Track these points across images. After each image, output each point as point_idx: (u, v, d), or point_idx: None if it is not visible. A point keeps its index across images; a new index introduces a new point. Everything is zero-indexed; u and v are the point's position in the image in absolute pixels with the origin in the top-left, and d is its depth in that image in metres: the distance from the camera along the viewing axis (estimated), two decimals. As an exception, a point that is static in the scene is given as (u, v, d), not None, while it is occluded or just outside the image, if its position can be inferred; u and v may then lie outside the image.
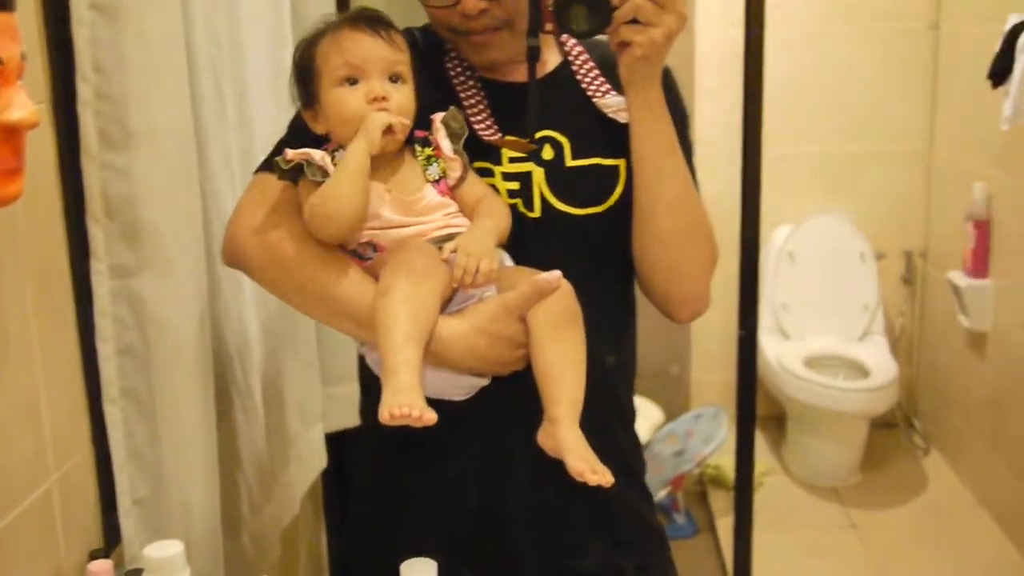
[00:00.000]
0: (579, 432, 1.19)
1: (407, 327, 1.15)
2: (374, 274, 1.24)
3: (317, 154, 1.24)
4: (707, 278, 1.38)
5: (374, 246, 1.25)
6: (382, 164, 1.25)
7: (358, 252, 1.26)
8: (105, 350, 1.36)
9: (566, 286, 1.23)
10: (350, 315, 1.25)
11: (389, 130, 1.21)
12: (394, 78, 1.24)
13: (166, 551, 1.20)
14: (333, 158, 1.24)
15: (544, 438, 1.22)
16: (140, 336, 1.37)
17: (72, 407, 1.35)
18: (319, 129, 1.28)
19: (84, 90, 1.26)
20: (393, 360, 1.13)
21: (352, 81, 1.23)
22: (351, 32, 1.23)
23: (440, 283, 1.19)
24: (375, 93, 1.22)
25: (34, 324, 1.24)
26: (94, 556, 1.35)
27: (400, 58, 1.25)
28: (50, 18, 1.25)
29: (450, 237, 1.24)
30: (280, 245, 1.27)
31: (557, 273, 1.23)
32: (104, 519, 1.41)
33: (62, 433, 1.31)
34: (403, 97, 1.24)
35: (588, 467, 1.16)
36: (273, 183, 1.28)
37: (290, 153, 1.24)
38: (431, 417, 1.09)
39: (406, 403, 1.09)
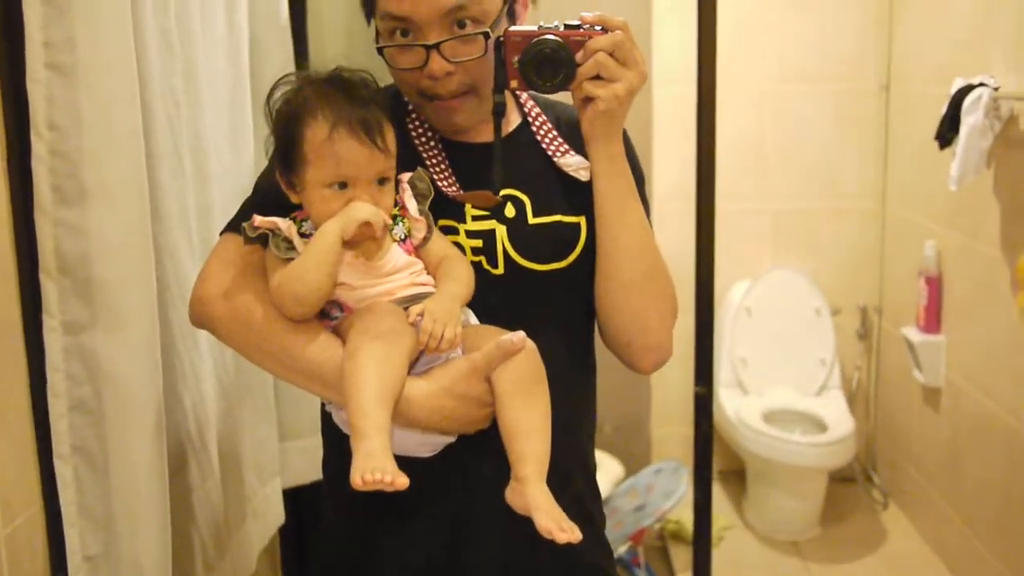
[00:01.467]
0: (546, 489, 1.21)
1: (375, 390, 1.16)
2: (340, 334, 1.25)
3: (283, 223, 1.25)
4: (669, 326, 1.40)
5: (340, 306, 1.26)
6: None
7: (325, 311, 1.27)
8: (57, 406, 1.35)
9: (530, 346, 1.25)
10: (318, 377, 1.26)
11: (367, 224, 1.22)
12: (380, 180, 1.26)
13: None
14: (300, 227, 1.26)
15: (512, 496, 1.23)
16: (92, 391, 1.37)
17: (22, 463, 1.34)
18: (294, 200, 1.28)
19: (38, 147, 1.28)
20: (363, 424, 1.14)
21: (342, 184, 1.24)
22: (348, 140, 1.23)
23: (407, 345, 1.21)
24: (359, 213, 1.23)
25: (-16, 380, 1.24)
26: (42, 615, 1.34)
27: (390, 164, 1.26)
28: (5, 75, 1.26)
29: (416, 297, 1.25)
30: (247, 308, 1.28)
31: (521, 334, 1.25)
32: (54, 577, 1.40)
33: (11, 489, 1.30)
34: (387, 199, 1.26)
35: (556, 525, 1.17)
36: (239, 244, 1.29)
37: (257, 220, 1.25)
38: (403, 482, 1.10)
39: (378, 468, 1.10)
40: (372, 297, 1.25)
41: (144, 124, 1.42)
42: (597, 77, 1.25)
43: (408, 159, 1.33)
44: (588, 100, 1.27)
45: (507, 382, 1.24)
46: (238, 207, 1.37)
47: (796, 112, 3.89)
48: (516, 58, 1.25)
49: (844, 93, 3.87)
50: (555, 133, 1.42)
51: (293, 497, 2.18)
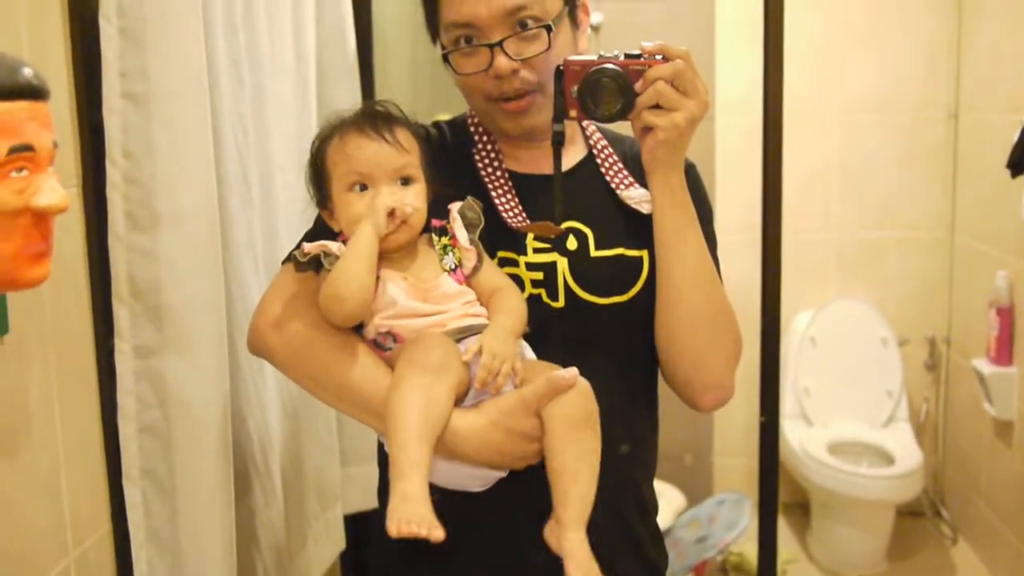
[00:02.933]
0: (583, 538, 1.18)
1: (417, 425, 1.15)
2: (392, 365, 1.25)
3: (334, 245, 1.26)
4: (731, 366, 1.37)
5: (393, 336, 1.26)
6: (399, 254, 1.27)
7: (378, 342, 1.27)
8: (127, 429, 1.37)
9: (584, 385, 1.23)
10: (365, 406, 1.26)
11: (392, 213, 1.23)
12: (404, 180, 1.27)
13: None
14: None
15: (549, 535, 1.21)
16: (162, 415, 1.39)
17: (92, 485, 1.36)
18: (335, 227, 1.30)
19: (113, 174, 1.30)
20: (401, 460, 1.13)
21: (362, 186, 1.26)
22: (356, 138, 1.26)
23: (455, 378, 1.20)
24: (384, 203, 1.24)
25: (57, 401, 1.26)
26: (110, 636, 1.35)
27: (408, 160, 1.27)
28: (83, 104, 1.29)
29: (468, 329, 1.25)
30: (298, 336, 1.29)
31: (574, 370, 1.23)
32: (121, 599, 1.41)
33: (82, 511, 1.32)
34: (413, 198, 1.26)
35: (582, 574, 1.15)
36: (295, 275, 1.30)
37: (307, 246, 1.26)
38: (439, 534, 1.09)
39: (414, 518, 1.08)
40: (424, 327, 1.25)
41: (214, 151, 1.44)
42: (657, 107, 1.24)
43: (474, 190, 1.33)
44: (648, 130, 1.26)
45: (557, 420, 1.21)
46: (301, 236, 1.39)
47: (862, 141, 3.85)
48: (575, 87, 1.25)
49: (911, 122, 3.83)
50: (620, 166, 1.41)
51: (354, 523, 2.19)
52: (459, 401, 1.23)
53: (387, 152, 1.25)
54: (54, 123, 1.01)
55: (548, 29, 1.28)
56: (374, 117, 1.28)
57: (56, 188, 0.99)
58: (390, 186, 1.25)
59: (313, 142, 1.31)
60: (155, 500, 1.41)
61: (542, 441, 1.23)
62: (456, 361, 1.20)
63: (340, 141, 1.27)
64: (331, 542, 2.08)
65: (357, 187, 1.26)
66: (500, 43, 1.27)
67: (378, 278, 1.25)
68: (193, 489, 1.42)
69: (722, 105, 3.59)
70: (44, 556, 1.24)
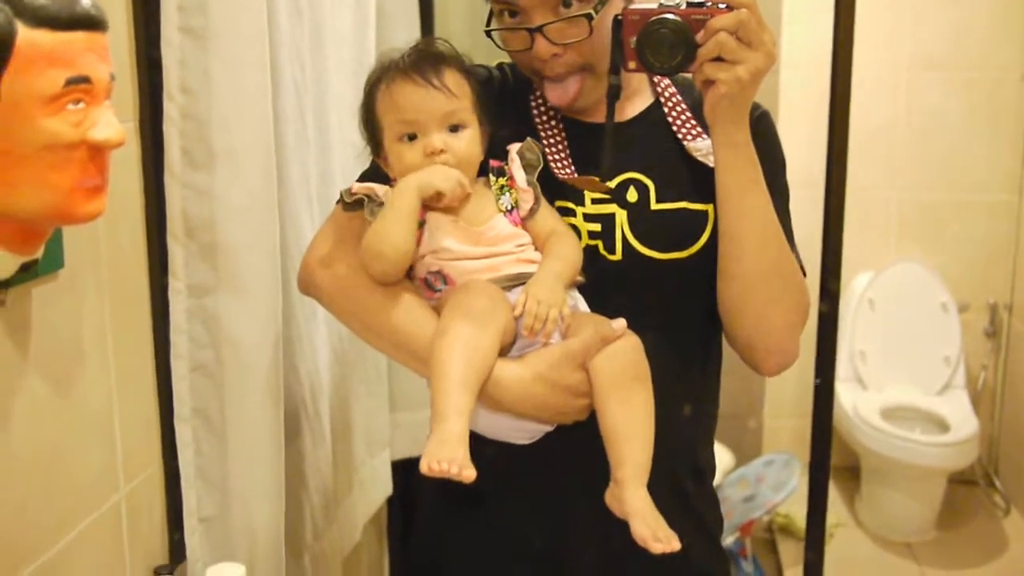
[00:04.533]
0: (645, 494, 1.15)
1: (460, 372, 1.13)
2: (440, 309, 1.22)
3: (380, 189, 1.24)
4: (795, 329, 1.32)
5: (444, 277, 1.24)
6: None
7: (428, 282, 1.26)
8: (179, 368, 1.37)
9: (633, 339, 1.20)
10: (410, 350, 1.25)
11: (438, 196, 1.21)
12: (454, 127, 1.24)
13: (227, 574, 1.20)
14: None
15: (611, 499, 1.18)
16: (214, 355, 1.39)
17: (145, 423, 1.36)
18: (389, 172, 1.28)
19: (171, 109, 1.29)
20: (443, 405, 1.12)
21: (411, 136, 1.23)
22: (402, 85, 1.23)
23: (500, 327, 1.17)
24: (433, 148, 1.22)
25: (110, 338, 1.26)
26: (158, 573, 1.36)
27: (458, 105, 1.23)
28: (141, 39, 1.27)
29: (520, 276, 1.22)
30: (346, 275, 1.28)
31: (622, 322, 1.20)
32: (170, 536, 1.41)
33: (133, 448, 1.32)
34: (464, 145, 1.24)
35: (651, 533, 1.12)
36: (345, 215, 1.29)
37: (355, 187, 1.25)
38: (470, 475, 1.07)
39: (446, 457, 1.07)
40: (476, 271, 1.22)
41: (271, 88, 1.42)
42: (719, 59, 1.17)
43: (526, 135, 1.29)
44: (710, 83, 1.19)
45: (605, 375, 1.18)
46: (356, 176, 1.37)
47: (929, 100, 3.74)
48: (633, 38, 1.19)
49: (981, 82, 3.72)
50: (689, 115, 1.35)
51: (403, 469, 2.18)
52: (505, 351, 1.20)
53: (435, 98, 1.22)
54: (112, 56, 0.99)
55: (589, 18, 1.21)
56: (421, 60, 1.24)
57: (113, 122, 0.97)
58: (440, 134, 1.22)
59: (365, 85, 1.29)
60: (205, 439, 1.40)
61: (589, 396, 1.21)
62: (503, 310, 1.18)
63: (387, 88, 1.24)
64: (378, 487, 2.08)
65: (406, 137, 1.23)
66: (539, 28, 1.22)
67: (424, 222, 1.23)
68: (243, 429, 1.42)
69: (787, 58, 3.51)
70: (95, 492, 1.24)
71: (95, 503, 1.24)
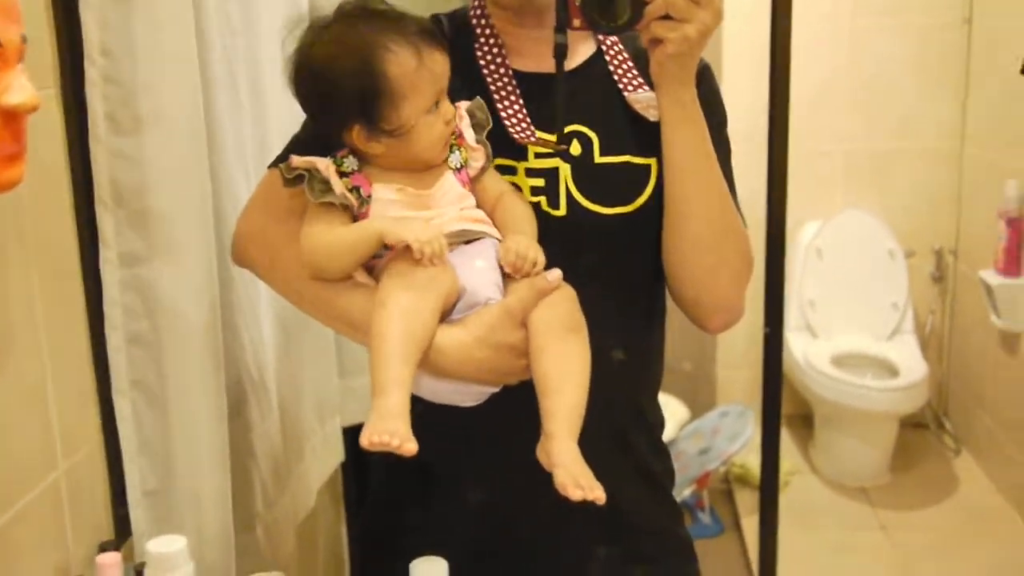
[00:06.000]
0: (573, 446, 1.12)
1: (399, 344, 1.10)
2: (380, 274, 1.19)
3: (322, 163, 1.19)
4: (741, 287, 1.31)
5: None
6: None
7: None
8: (115, 340, 1.34)
9: (568, 290, 1.19)
10: (348, 322, 1.22)
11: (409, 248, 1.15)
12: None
13: (169, 546, 1.18)
14: (341, 165, 1.20)
15: (540, 453, 1.15)
16: (150, 325, 1.36)
17: (81, 397, 1.33)
18: (374, 149, 1.19)
19: (92, 73, 1.25)
20: (383, 378, 1.09)
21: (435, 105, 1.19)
22: (435, 52, 1.17)
23: (441, 295, 1.15)
24: (450, 114, 1.20)
25: (41, 312, 1.22)
26: (104, 548, 1.33)
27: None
28: (59, 1, 1.23)
29: (463, 233, 1.19)
30: (276, 245, 1.26)
31: (557, 272, 1.18)
32: (115, 511, 1.39)
33: (71, 423, 1.29)
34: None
35: (572, 480, 1.09)
36: (279, 182, 1.24)
37: (295, 160, 1.20)
38: (411, 448, 1.05)
39: (386, 431, 1.05)
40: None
41: (199, 52, 1.38)
42: (667, 17, 1.14)
43: (477, 90, 1.26)
44: (656, 42, 1.17)
45: (541, 326, 1.16)
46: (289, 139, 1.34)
47: (871, 47, 3.76)
48: None
49: (923, 27, 3.74)
50: (630, 64, 1.32)
51: (354, 435, 2.17)
52: (447, 313, 1.18)
53: (447, 63, 1.19)
54: (30, 20, 0.95)
55: None
56: (429, 28, 1.19)
57: (26, 85, 0.93)
58: (446, 101, 1.20)
59: (321, 60, 1.18)
60: (146, 412, 1.38)
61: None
62: (443, 277, 1.15)
63: (420, 58, 1.16)
64: (330, 454, 2.07)
65: (433, 106, 1.18)
66: None
67: (369, 197, 1.20)
68: (184, 400, 1.39)
69: (730, 8, 3.49)
70: (32, 469, 1.21)
71: (32, 481, 1.21)
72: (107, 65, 1.25)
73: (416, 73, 1.16)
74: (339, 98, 1.17)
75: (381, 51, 1.15)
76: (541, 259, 1.17)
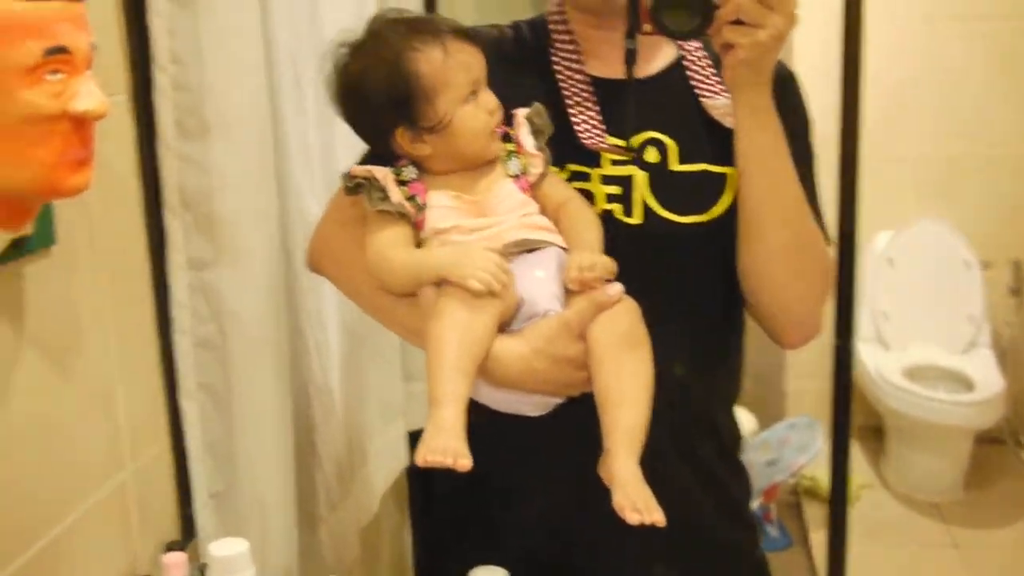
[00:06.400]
0: (632, 465, 1.10)
1: (454, 357, 1.10)
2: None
3: (380, 172, 1.20)
4: (818, 302, 1.28)
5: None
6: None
7: None
8: (183, 343, 1.36)
9: (630, 303, 1.16)
10: (409, 328, 1.23)
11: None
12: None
13: (230, 549, 1.19)
14: (400, 174, 1.21)
15: (601, 468, 1.13)
16: (217, 329, 1.37)
17: (150, 400, 1.35)
18: (422, 151, 1.20)
19: (161, 80, 1.27)
20: (439, 391, 1.09)
21: (472, 95, 1.19)
22: (461, 43, 1.18)
23: (498, 308, 1.13)
24: (492, 105, 1.19)
25: (110, 315, 1.24)
26: (170, 549, 1.35)
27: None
28: (130, 9, 1.25)
29: (526, 243, 1.18)
30: (345, 256, 1.28)
31: (618, 286, 1.16)
32: (181, 512, 1.41)
33: (139, 425, 1.31)
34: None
35: (630, 503, 1.06)
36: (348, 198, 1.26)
37: (355, 170, 1.21)
38: (465, 464, 1.04)
39: (440, 448, 1.04)
40: (478, 242, 1.18)
41: (266, 58, 1.40)
42: (739, 22, 1.12)
43: (551, 97, 1.25)
44: (729, 47, 1.14)
45: (600, 341, 1.14)
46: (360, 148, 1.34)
47: (947, 52, 3.68)
48: (649, 1, 1.15)
49: (1000, 32, 3.65)
50: (712, 71, 1.29)
51: (417, 440, 2.17)
52: (507, 324, 1.16)
53: (481, 56, 1.19)
54: (101, 28, 0.97)
55: None
56: (455, 25, 1.20)
57: (94, 92, 0.95)
58: (486, 92, 1.20)
59: (356, 74, 1.20)
60: (212, 415, 1.40)
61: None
62: (503, 288, 1.13)
63: (445, 51, 1.17)
64: (394, 458, 2.07)
65: (471, 97, 1.19)
66: None
67: (425, 205, 1.20)
68: (249, 403, 1.41)
69: (802, 13, 3.45)
70: (100, 470, 1.23)
71: (101, 481, 1.23)
72: (176, 72, 1.27)
73: (444, 66, 1.17)
74: (376, 106, 1.18)
75: (408, 52, 1.17)
76: (612, 267, 1.15)
